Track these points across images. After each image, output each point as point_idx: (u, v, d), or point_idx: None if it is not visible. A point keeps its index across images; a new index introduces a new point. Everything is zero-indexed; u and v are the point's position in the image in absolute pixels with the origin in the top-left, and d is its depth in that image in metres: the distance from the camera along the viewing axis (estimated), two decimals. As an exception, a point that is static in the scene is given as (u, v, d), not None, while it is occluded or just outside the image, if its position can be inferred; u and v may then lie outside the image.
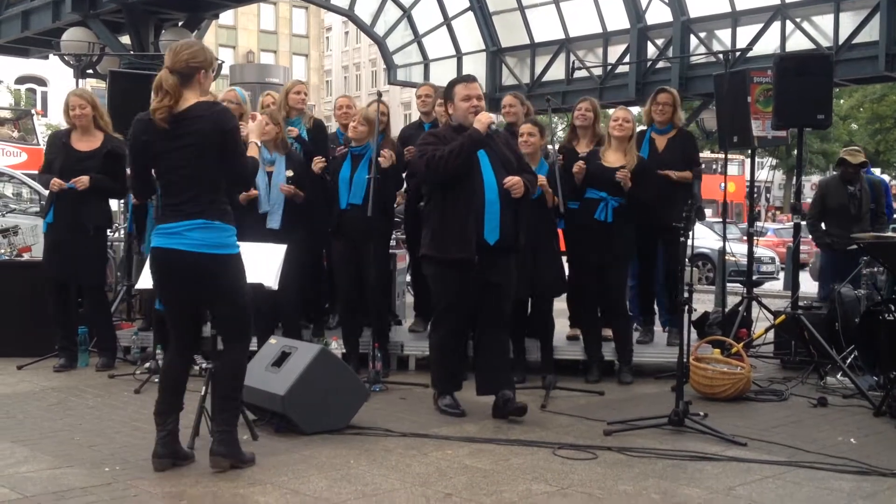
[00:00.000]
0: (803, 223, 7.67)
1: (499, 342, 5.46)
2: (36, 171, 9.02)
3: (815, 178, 39.99)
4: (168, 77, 4.02)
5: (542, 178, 5.96)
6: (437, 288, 5.42)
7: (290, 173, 6.36)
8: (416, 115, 7.79)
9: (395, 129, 8.16)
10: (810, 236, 8.34)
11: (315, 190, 6.54)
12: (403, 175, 6.78)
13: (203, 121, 4.02)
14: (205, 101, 4.11)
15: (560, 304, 6.73)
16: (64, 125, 7.06)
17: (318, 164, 6.51)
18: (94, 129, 6.66)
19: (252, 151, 4.31)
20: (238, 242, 4.18)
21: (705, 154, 29.20)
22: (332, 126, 7.82)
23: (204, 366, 5.33)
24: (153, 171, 4.23)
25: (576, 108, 6.82)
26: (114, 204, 8.48)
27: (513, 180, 5.22)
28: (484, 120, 5.18)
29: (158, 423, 4.11)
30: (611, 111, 7.34)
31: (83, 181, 6.45)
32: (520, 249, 5.50)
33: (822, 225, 7.96)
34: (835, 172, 8.28)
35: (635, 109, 7.34)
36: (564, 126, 29.86)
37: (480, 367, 5.48)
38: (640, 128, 7.20)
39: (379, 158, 6.13)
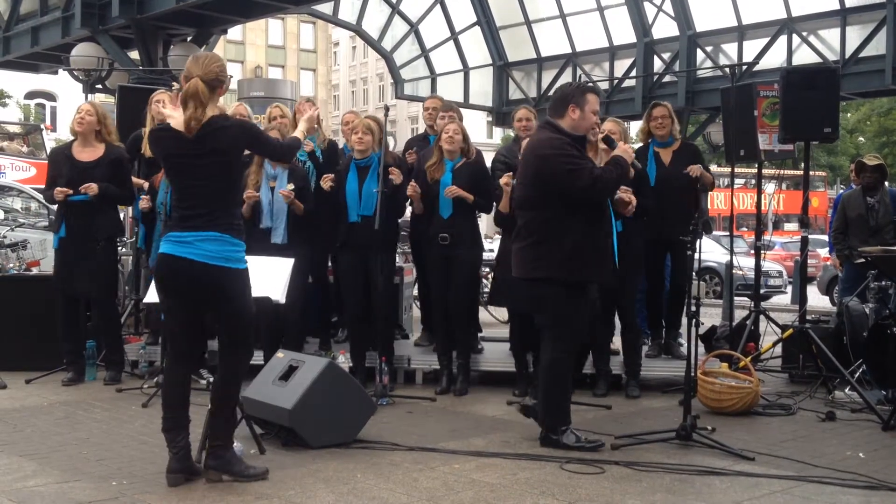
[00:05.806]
0: (811, 237, 7.65)
1: None
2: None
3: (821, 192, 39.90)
4: (203, 86, 4.02)
5: None
6: (560, 311, 4.93)
7: (291, 186, 6.35)
8: (423, 129, 7.83)
9: (402, 142, 8.20)
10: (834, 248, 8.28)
11: (320, 203, 6.55)
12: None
13: (226, 132, 4.05)
14: (220, 114, 4.13)
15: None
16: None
17: (326, 180, 6.50)
18: (95, 140, 6.67)
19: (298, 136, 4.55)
20: (246, 256, 4.19)
21: (714, 168, 29.08)
22: (339, 140, 7.86)
23: (212, 380, 5.33)
24: (168, 179, 4.25)
25: None
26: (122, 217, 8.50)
27: (634, 200, 5.47)
28: (630, 152, 5.16)
29: (169, 440, 4.10)
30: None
31: (92, 188, 6.47)
32: None
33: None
34: (853, 186, 8.25)
35: (637, 124, 7.32)
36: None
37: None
38: (637, 145, 7.20)
39: (390, 176, 6.16)
